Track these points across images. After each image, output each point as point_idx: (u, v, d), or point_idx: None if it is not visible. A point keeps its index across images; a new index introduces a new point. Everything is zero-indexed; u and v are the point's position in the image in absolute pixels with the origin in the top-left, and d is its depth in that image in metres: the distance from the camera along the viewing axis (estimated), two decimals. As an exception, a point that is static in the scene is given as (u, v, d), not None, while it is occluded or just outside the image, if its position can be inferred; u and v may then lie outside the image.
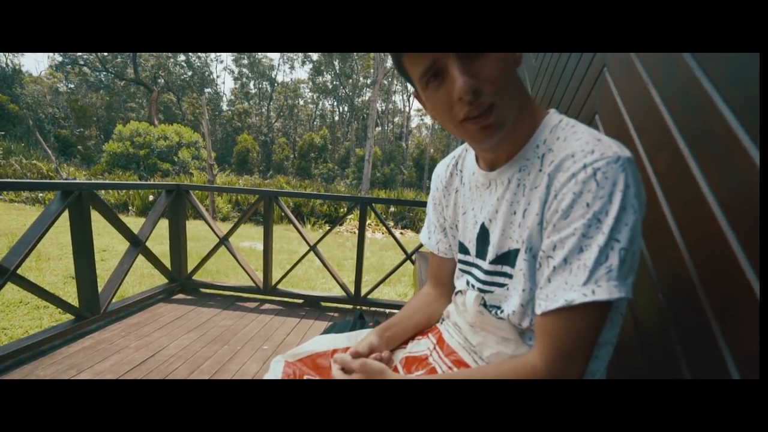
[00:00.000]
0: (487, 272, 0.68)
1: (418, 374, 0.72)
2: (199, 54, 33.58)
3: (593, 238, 0.51)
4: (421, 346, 0.79)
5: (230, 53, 37.65)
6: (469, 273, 0.75)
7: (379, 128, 34.78)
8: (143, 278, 4.14)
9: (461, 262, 0.78)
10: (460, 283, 0.78)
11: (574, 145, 0.55)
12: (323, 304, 2.89)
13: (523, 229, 0.61)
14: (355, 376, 0.65)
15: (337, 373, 0.68)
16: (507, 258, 0.65)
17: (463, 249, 0.77)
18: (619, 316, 0.61)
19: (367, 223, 2.91)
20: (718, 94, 0.64)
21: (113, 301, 2.33)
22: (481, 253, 0.71)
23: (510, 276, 0.65)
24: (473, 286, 0.72)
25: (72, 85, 30.51)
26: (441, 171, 0.82)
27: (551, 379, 0.54)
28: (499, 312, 0.67)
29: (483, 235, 0.70)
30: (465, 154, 0.78)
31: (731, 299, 0.57)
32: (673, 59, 0.77)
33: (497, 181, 0.66)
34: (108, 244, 5.44)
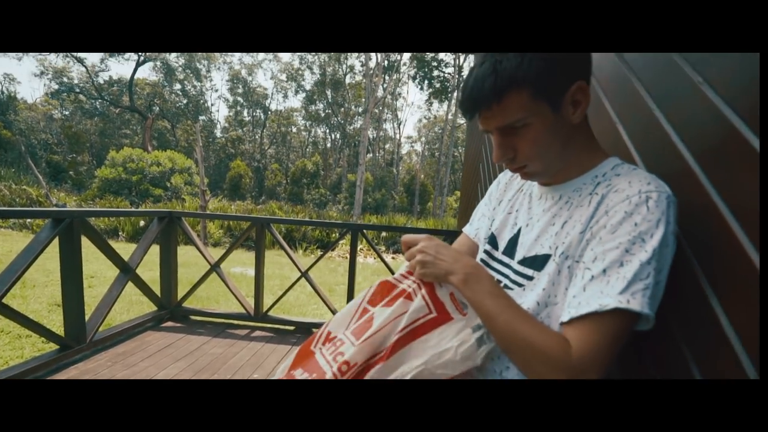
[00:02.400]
0: (515, 271, 0.73)
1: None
2: (195, 83, 34.18)
3: (635, 255, 0.55)
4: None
5: (226, 82, 38.31)
6: (492, 267, 0.79)
7: (371, 155, 35.25)
8: (132, 305, 4.06)
9: (485, 252, 0.83)
10: None
11: (633, 178, 0.61)
12: (315, 330, 2.85)
13: (559, 238, 0.65)
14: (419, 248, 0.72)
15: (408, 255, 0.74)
16: (533, 261, 0.69)
17: (493, 242, 0.82)
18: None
19: (358, 248, 2.93)
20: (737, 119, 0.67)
21: (100, 329, 2.29)
22: (509, 251, 0.76)
23: (531, 278, 0.69)
24: (500, 282, 0.75)
25: (67, 112, 30.72)
26: (510, 172, 0.90)
27: (572, 372, 0.55)
28: None
29: (517, 237, 0.76)
30: None
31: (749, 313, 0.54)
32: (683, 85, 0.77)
33: (548, 195, 0.72)
34: (96, 270, 5.36)
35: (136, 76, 29.39)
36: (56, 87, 29.80)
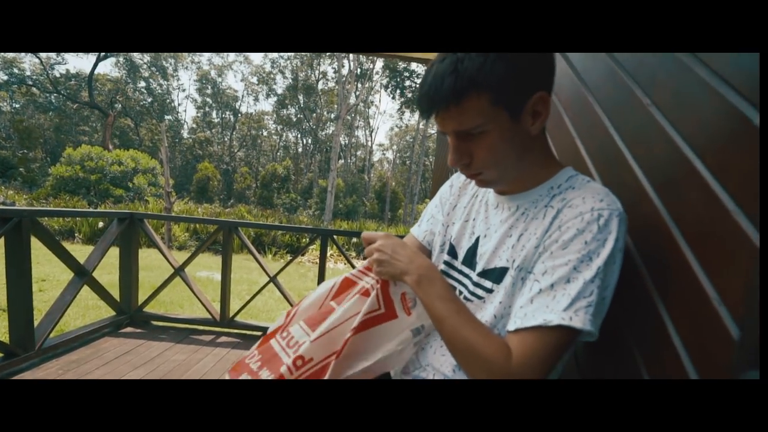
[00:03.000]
0: (474, 283, 0.73)
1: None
2: (161, 81, 32.99)
3: (582, 273, 0.57)
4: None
5: (194, 82, 37.22)
6: (453, 278, 0.79)
7: (342, 161, 35.17)
8: (88, 310, 3.85)
9: (446, 263, 0.82)
10: None
11: (587, 193, 0.62)
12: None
13: (515, 250, 0.66)
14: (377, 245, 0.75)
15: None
16: (492, 274, 0.69)
17: (452, 252, 0.81)
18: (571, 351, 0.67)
19: (329, 253, 2.92)
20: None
21: (51, 336, 2.16)
22: (469, 262, 0.76)
23: (490, 291, 0.69)
24: (460, 293, 0.76)
25: (17, 105, 28.80)
26: (463, 176, 0.86)
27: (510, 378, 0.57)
28: None
29: (475, 247, 0.76)
30: None
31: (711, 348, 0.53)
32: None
33: (505, 205, 0.73)
34: (48, 273, 5.04)
35: (96, 71, 27.99)
36: (5, 78, 27.86)
